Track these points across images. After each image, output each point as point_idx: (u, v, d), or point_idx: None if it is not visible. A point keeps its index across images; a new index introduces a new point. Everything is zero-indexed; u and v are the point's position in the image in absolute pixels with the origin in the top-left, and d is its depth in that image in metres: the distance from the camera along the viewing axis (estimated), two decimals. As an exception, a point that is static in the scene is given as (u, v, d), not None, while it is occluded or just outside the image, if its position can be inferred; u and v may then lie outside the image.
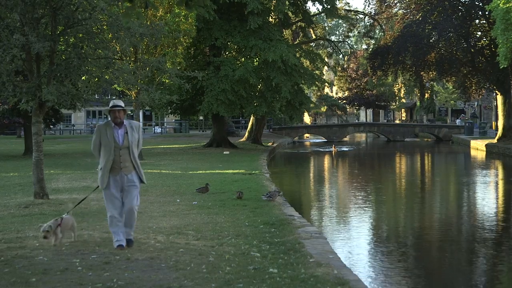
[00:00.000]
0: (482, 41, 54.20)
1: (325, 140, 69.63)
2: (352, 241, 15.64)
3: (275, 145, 51.76)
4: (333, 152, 50.33)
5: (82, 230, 12.16)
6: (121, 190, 10.53)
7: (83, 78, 17.38)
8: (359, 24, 70.33)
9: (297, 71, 40.38)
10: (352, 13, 65.40)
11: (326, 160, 45.47)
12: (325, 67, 67.30)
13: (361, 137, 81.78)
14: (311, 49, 55.19)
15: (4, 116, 30.85)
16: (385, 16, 61.26)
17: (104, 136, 10.49)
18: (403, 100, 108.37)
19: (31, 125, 17.17)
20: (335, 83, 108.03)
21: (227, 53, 43.77)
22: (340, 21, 77.01)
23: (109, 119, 10.78)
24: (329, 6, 44.97)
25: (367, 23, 68.67)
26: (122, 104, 10.69)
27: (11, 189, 20.32)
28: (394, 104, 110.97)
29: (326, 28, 77.24)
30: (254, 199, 17.24)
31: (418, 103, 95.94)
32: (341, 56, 68.09)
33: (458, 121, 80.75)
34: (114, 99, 11.81)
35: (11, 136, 66.26)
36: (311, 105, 55.94)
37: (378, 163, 44.14)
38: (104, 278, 8.44)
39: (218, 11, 35.63)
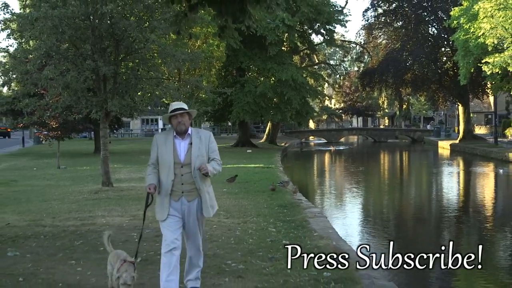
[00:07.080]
0: (447, 64, 53.95)
1: (326, 141, 69.26)
2: (347, 219, 15.57)
3: (287, 145, 51.50)
4: (331, 150, 50.19)
5: (138, 211, 12.17)
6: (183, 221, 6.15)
7: (139, 93, 17.47)
8: (351, 51, 69.93)
9: (304, 88, 40.38)
10: (346, 42, 64.86)
11: (327, 157, 45.34)
12: (326, 84, 67.02)
13: (354, 138, 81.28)
14: (314, 70, 54.91)
15: (79, 123, 30.97)
16: (372, 45, 60.98)
17: (162, 149, 6.01)
18: (386, 110, 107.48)
19: (100, 130, 17.29)
20: (333, 96, 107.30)
21: (250, 73, 43.73)
22: (337, 49, 76.42)
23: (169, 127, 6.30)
24: (328, 38, 44.99)
25: (358, 50, 68.33)
26: (186, 107, 6.07)
27: (84, 179, 20.48)
28: (379, 113, 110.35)
29: (326, 54, 76.93)
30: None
31: (397, 112, 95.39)
32: (337, 76, 67.46)
33: (428, 126, 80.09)
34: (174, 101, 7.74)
35: (84, 139, 66.66)
36: (315, 113, 55.92)
37: (367, 159, 43.90)
38: (155, 247, 8.41)
39: (243, 41, 35.54)
